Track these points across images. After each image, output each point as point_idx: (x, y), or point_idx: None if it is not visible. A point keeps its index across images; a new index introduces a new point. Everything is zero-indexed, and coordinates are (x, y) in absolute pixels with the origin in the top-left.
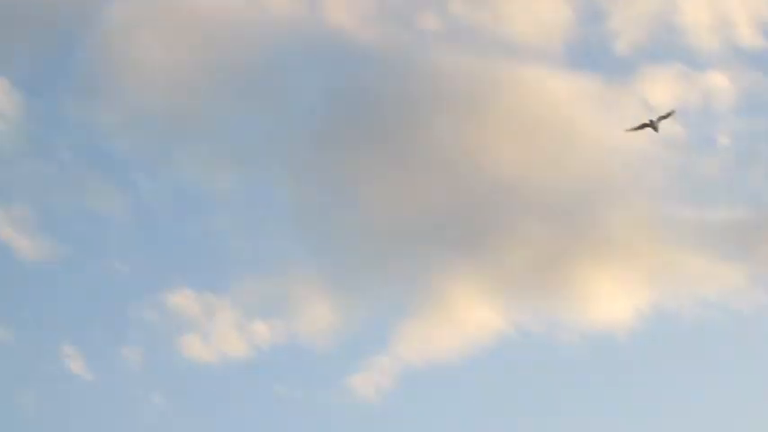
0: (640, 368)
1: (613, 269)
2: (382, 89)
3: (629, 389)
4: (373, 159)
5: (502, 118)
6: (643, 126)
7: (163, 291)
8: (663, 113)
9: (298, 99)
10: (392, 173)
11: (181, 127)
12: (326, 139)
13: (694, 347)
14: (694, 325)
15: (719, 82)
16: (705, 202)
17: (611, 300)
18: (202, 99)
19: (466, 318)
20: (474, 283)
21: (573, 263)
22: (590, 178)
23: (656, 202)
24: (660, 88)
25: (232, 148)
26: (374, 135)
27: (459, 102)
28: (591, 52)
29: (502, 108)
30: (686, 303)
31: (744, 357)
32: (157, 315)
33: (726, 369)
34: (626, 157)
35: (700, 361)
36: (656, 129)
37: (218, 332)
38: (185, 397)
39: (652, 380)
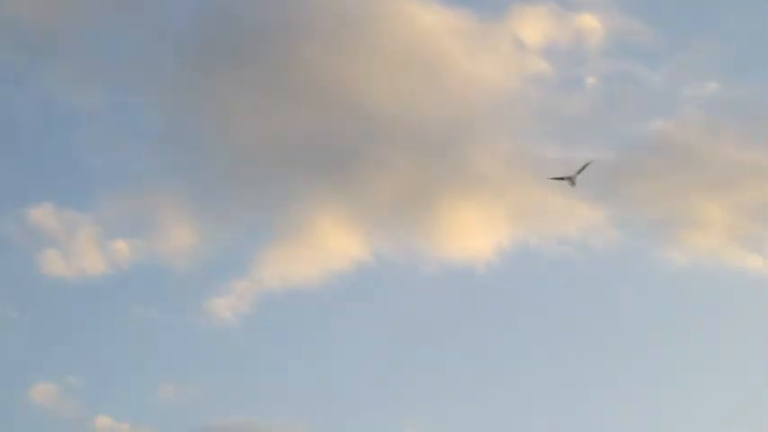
0: (497, 301)
1: (477, 204)
2: (254, 16)
3: (485, 320)
4: (243, 85)
5: (373, 49)
6: (561, 178)
7: (24, 205)
8: (580, 167)
9: (170, 21)
10: (261, 100)
11: (51, 41)
12: (197, 62)
13: (551, 282)
14: (553, 261)
15: (590, 23)
16: (570, 141)
17: (473, 234)
18: (75, 14)
19: (328, 245)
20: (338, 211)
21: (437, 196)
22: (458, 113)
23: (522, 139)
24: (532, 27)
25: (102, 66)
26: (245, 61)
27: (330, 31)
28: None
29: (373, 39)
30: (546, 240)
31: (599, 294)
32: (17, 229)
33: (581, 305)
34: (495, 94)
35: (556, 295)
36: (573, 183)
37: (78, 249)
38: (41, 312)
39: (508, 312)
